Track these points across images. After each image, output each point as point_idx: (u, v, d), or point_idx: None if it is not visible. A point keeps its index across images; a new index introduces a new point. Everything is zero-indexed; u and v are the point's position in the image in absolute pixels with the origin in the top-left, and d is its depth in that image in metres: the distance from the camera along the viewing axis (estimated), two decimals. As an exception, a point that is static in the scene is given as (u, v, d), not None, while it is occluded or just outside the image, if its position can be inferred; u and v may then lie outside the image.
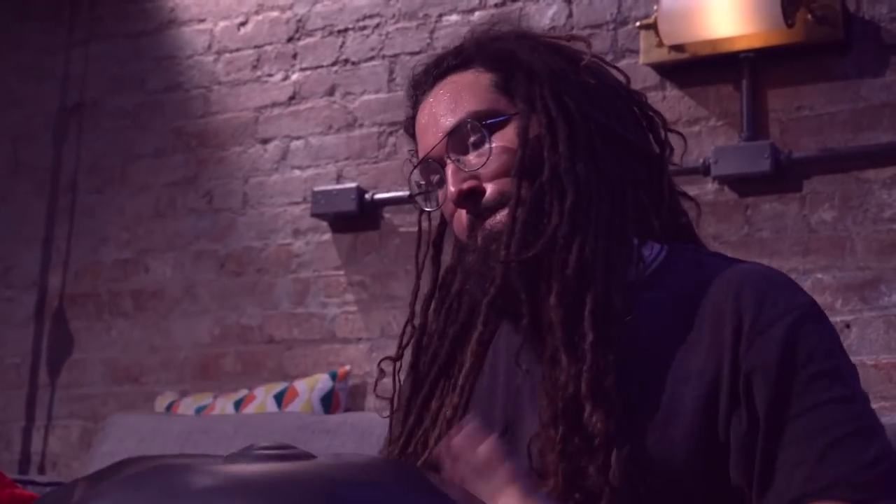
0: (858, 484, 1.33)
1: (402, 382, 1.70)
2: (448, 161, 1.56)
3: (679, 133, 1.71)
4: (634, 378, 1.43)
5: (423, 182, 1.65)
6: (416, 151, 1.68)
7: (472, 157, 1.55)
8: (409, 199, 1.71)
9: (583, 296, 1.46)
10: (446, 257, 1.72)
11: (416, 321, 1.70)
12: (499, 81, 1.58)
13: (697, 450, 1.40)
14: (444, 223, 1.72)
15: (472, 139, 1.56)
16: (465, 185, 1.54)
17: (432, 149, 1.59)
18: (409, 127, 1.70)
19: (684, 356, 1.45)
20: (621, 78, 1.67)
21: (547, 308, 1.47)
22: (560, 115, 1.54)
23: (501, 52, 1.61)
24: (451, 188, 1.54)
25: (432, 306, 1.70)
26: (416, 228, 1.74)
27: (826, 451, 1.35)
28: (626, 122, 1.62)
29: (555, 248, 1.48)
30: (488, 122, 1.55)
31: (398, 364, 1.70)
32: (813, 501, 1.33)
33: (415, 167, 1.65)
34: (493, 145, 1.54)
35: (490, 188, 1.54)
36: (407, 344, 1.70)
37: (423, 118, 1.64)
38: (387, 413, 1.74)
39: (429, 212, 1.68)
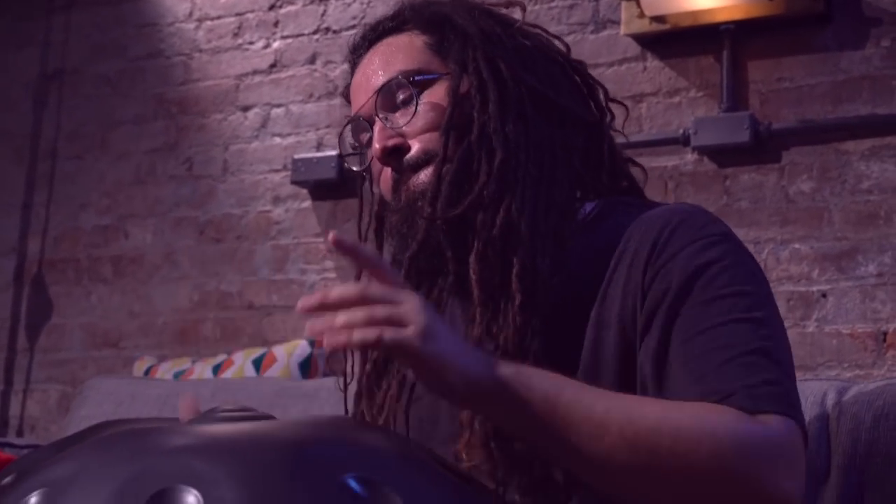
0: (751, 393, 1.32)
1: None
2: (376, 119, 1.56)
3: (622, 104, 1.72)
4: (563, 334, 1.45)
5: (355, 143, 1.65)
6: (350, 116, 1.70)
7: (399, 115, 1.55)
8: (340, 159, 1.71)
9: (509, 257, 1.46)
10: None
11: None
12: (432, 43, 1.59)
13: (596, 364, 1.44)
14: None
15: (401, 97, 1.55)
16: (391, 142, 1.54)
17: (362, 107, 1.59)
18: (347, 93, 1.69)
19: (607, 303, 1.47)
20: (561, 47, 1.68)
21: (468, 267, 1.47)
22: (491, 77, 1.55)
23: (436, 16, 1.61)
24: (377, 144, 1.54)
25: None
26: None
27: (723, 366, 1.35)
28: (560, 88, 1.63)
29: (481, 206, 1.48)
30: (417, 78, 1.55)
31: None
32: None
33: (344, 126, 1.65)
34: (422, 102, 1.54)
35: (415, 145, 1.54)
36: None
37: (356, 79, 1.63)
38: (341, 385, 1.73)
39: (358, 171, 1.66)
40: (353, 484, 0.97)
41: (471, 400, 1.27)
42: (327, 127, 3.93)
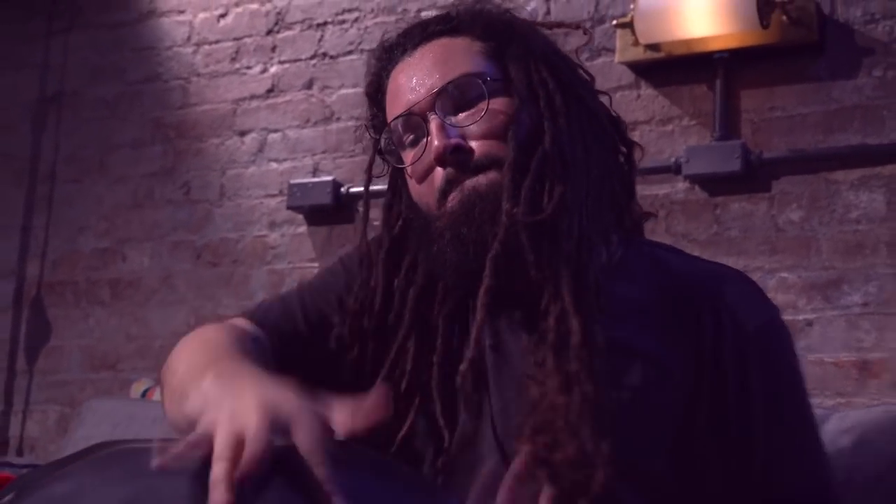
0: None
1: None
2: (433, 117, 1.50)
3: (639, 145, 1.71)
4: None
5: (396, 143, 1.58)
6: (374, 116, 1.65)
7: (462, 116, 1.50)
8: (378, 154, 1.63)
9: (587, 271, 1.45)
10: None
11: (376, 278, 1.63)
12: (492, 50, 1.55)
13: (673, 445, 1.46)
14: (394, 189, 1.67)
15: (464, 99, 1.51)
16: (454, 141, 1.48)
17: (416, 104, 1.52)
18: (373, 90, 1.64)
19: (653, 347, 1.47)
20: (587, 77, 1.66)
21: (549, 276, 1.44)
22: (557, 90, 1.51)
23: (496, 23, 1.57)
24: (437, 142, 1.48)
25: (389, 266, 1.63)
26: None
27: (812, 466, 1.49)
28: (603, 110, 1.62)
29: (563, 213, 1.44)
30: (487, 80, 1.50)
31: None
32: None
33: (393, 119, 1.57)
34: (487, 106, 1.49)
35: (478, 148, 1.49)
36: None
37: (402, 78, 1.57)
38: None
39: (401, 168, 1.59)
40: None
41: None
42: (323, 152, 3.94)
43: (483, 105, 1.49)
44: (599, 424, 1.34)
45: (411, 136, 1.54)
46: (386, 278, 1.61)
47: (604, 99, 1.67)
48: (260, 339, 1.60)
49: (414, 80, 1.54)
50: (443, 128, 1.49)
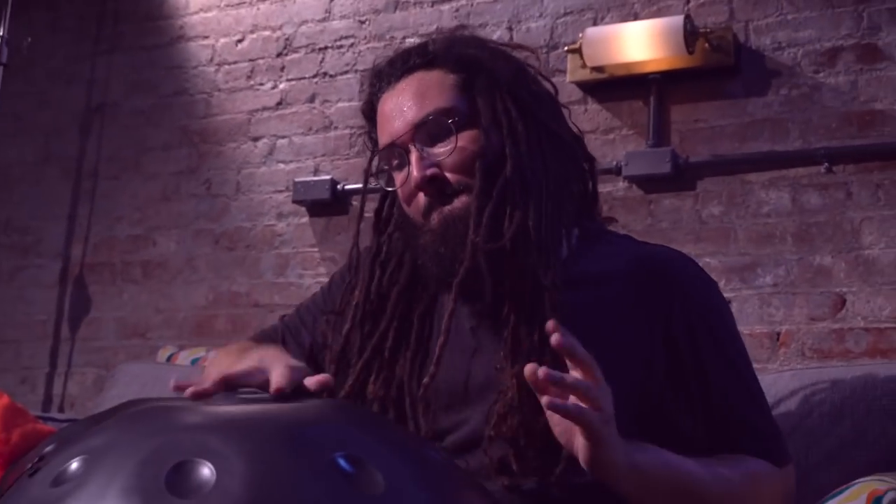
0: (777, 450, 1.48)
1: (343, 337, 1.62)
2: (413, 149, 1.52)
3: (592, 157, 1.73)
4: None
5: (384, 165, 1.60)
6: (370, 133, 1.64)
7: (436, 149, 1.51)
8: (371, 175, 1.63)
9: (541, 281, 1.45)
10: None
11: (362, 278, 1.64)
12: (462, 82, 1.54)
13: (632, 415, 1.42)
14: (385, 198, 1.67)
15: (437, 132, 1.51)
16: (430, 172, 1.49)
17: (398, 137, 1.53)
18: (368, 109, 1.64)
19: (606, 325, 1.47)
20: (551, 89, 1.67)
21: (513, 287, 1.46)
22: (518, 118, 1.51)
23: (466, 57, 1.57)
24: (416, 173, 1.50)
25: (374, 267, 1.64)
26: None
27: (755, 425, 1.48)
28: (562, 127, 1.62)
29: (521, 236, 1.45)
30: (455, 119, 1.51)
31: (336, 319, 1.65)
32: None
33: (377, 152, 1.59)
34: (458, 140, 1.49)
35: (452, 178, 1.50)
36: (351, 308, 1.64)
37: (387, 107, 1.58)
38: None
39: (389, 190, 1.61)
40: (341, 461, 0.96)
41: (618, 477, 1.27)
42: (323, 155, 3.95)
43: (453, 139, 1.49)
44: None
45: (396, 161, 1.56)
46: (370, 279, 1.62)
47: (564, 111, 1.68)
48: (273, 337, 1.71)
49: (396, 112, 1.55)
50: (420, 159, 1.50)
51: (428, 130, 1.52)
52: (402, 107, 1.55)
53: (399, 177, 1.56)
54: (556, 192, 1.52)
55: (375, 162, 1.63)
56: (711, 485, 1.36)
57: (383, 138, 1.58)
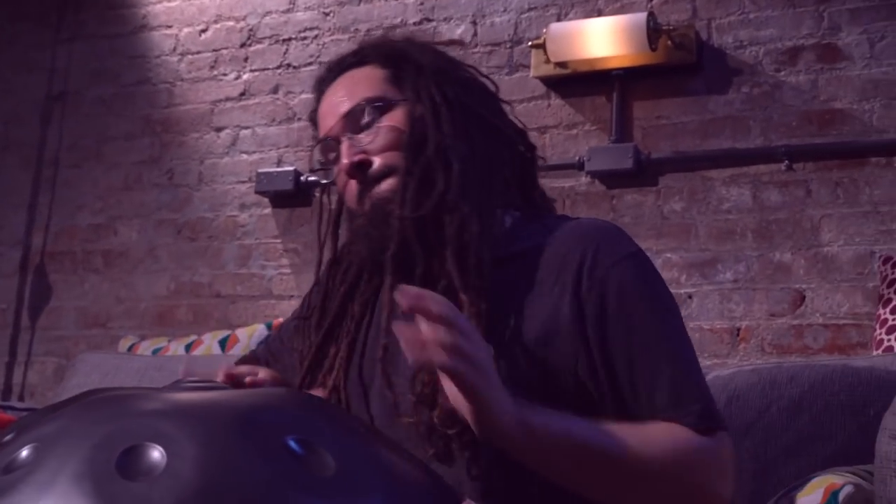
0: (700, 414, 1.37)
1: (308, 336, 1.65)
2: (343, 139, 1.55)
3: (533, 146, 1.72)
4: (498, 320, 1.44)
5: (322, 160, 1.63)
6: (316, 136, 1.65)
7: (363, 136, 1.54)
8: (312, 172, 1.70)
9: (467, 253, 1.46)
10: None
11: (321, 285, 1.67)
12: (390, 75, 1.58)
13: (542, 377, 1.41)
14: (342, 203, 1.67)
15: (364, 120, 1.54)
16: (356, 158, 1.52)
17: (330, 129, 1.57)
18: (314, 117, 1.67)
19: (530, 298, 1.46)
20: (491, 86, 1.69)
21: (442, 260, 1.46)
22: (442, 102, 1.55)
23: (393, 51, 1.62)
24: (344, 160, 1.53)
25: (333, 272, 1.67)
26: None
27: (672, 386, 1.38)
28: (494, 112, 1.64)
29: (445, 209, 1.48)
30: (378, 104, 1.54)
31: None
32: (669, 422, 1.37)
33: (315, 145, 1.63)
34: (382, 124, 1.53)
35: (377, 161, 1.53)
36: (312, 304, 1.68)
37: (324, 107, 1.62)
38: None
39: (326, 184, 1.65)
40: (292, 444, 0.97)
41: (506, 438, 1.24)
42: (286, 146, 3.94)
43: (377, 125, 1.53)
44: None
45: (333, 154, 1.59)
46: (327, 280, 1.66)
47: (506, 107, 1.68)
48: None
49: (330, 109, 1.59)
50: (349, 147, 1.53)
51: (356, 119, 1.55)
52: (334, 102, 1.59)
53: (336, 169, 1.60)
54: (483, 173, 1.55)
55: (315, 162, 1.67)
56: (618, 454, 1.30)
57: (321, 134, 1.62)
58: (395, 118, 1.55)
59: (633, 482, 1.32)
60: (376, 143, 1.54)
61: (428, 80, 1.57)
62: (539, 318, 1.44)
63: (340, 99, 1.58)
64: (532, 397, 1.29)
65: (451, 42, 1.72)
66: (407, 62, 1.60)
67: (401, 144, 1.53)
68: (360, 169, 1.53)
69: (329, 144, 1.59)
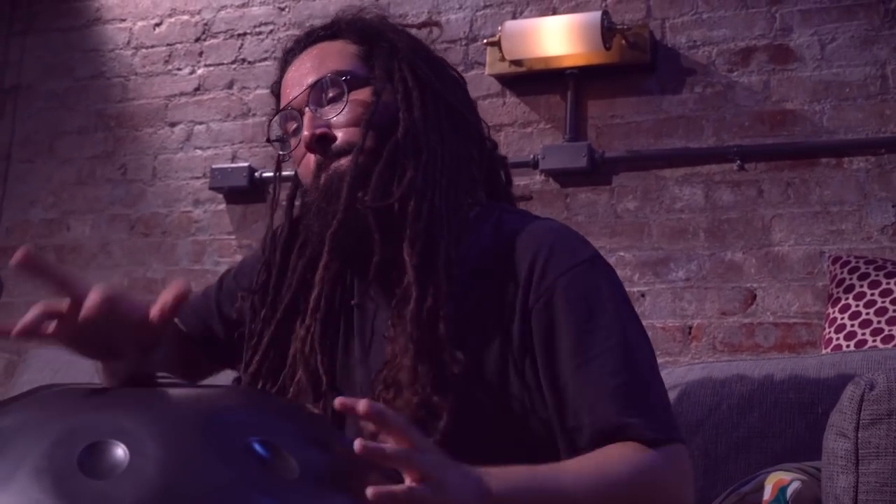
0: (650, 426, 1.32)
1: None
2: (307, 110, 1.48)
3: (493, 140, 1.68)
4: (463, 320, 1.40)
5: (282, 132, 1.56)
6: (278, 108, 1.59)
7: (328, 109, 1.48)
8: (268, 142, 1.60)
9: (436, 246, 1.41)
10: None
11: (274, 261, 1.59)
12: (363, 52, 1.52)
13: (497, 408, 1.39)
14: (297, 182, 1.62)
15: (331, 94, 1.48)
16: (318, 130, 1.46)
17: (294, 99, 1.50)
18: (276, 88, 1.61)
19: (485, 300, 1.42)
20: (461, 80, 1.63)
21: (400, 251, 1.41)
22: (416, 86, 1.49)
23: (369, 28, 1.55)
24: (305, 132, 1.46)
25: (286, 247, 1.58)
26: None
27: (618, 397, 1.33)
28: (465, 106, 1.59)
29: (411, 197, 1.42)
30: (347, 78, 1.48)
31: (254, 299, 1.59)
32: (612, 440, 1.31)
33: (276, 113, 1.56)
34: (349, 99, 1.47)
35: (340, 136, 1.47)
36: (265, 282, 1.58)
37: (289, 76, 1.55)
38: None
39: (283, 155, 1.57)
40: (256, 446, 0.95)
41: None
42: (241, 142, 3.89)
43: (344, 100, 1.47)
44: (440, 380, 1.32)
45: (294, 126, 1.53)
46: (283, 257, 1.57)
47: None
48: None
49: (295, 79, 1.53)
50: (312, 119, 1.47)
51: (322, 91, 1.49)
52: (301, 73, 1.53)
53: (294, 142, 1.53)
54: (451, 164, 1.49)
55: (272, 132, 1.59)
56: (586, 493, 1.23)
57: (282, 105, 1.55)
58: (363, 94, 1.49)
59: None
60: (341, 118, 1.47)
61: (401, 62, 1.51)
62: (493, 351, 1.41)
63: (307, 70, 1.52)
64: (490, 429, 1.27)
65: (425, 24, 1.65)
66: (381, 41, 1.54)
67: (368, 122, 1.46)
68: (321, 143, 1.47)
69: (290, 114, 1.52)
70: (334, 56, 1.52)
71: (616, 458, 1.30)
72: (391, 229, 1.42)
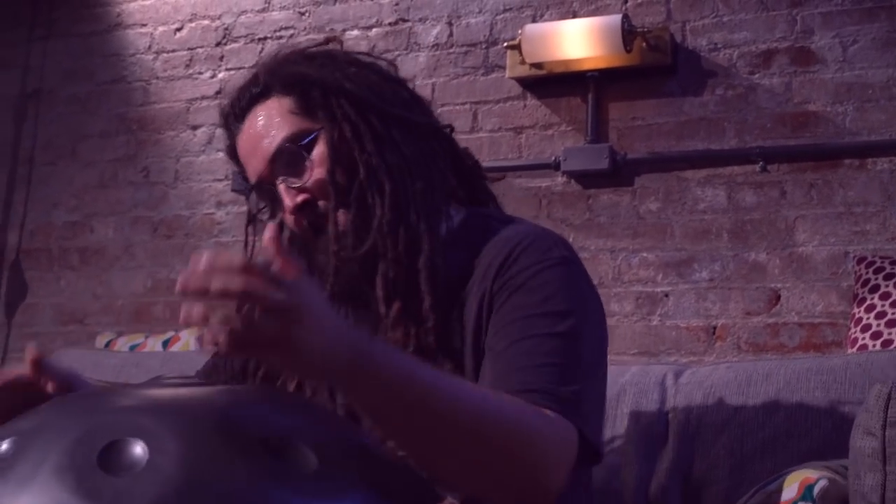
0: (557, 397, 1.29)
1: None
2: (278, 183, 1.47)
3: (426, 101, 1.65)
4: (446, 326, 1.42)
5: (263, 204, 1.55)
6: (244, 174, 1.58)
7: (298, 176, 1.46)
8: (255, 214, 1.57)
9: (415, 266, 1.41)
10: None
11: None
12: (298, 104, 1.49)
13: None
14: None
15: (292, 160, 1.46)
16: (299, 199, 1.46)
17: (260, 175, 1.49)
18: (232, 153, 1.58)
19: (466, 308, 1.43)
20: (388, 67, 1.60)
21: (378, 286, 1.42)
22: (360, 118, 1.47)
23: (293, 76, 1.51)
24: (288, 204, 1.45)
25: None
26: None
27: (537, 368, 1.32)
28: (409, 105, 1.57)
29: (383, 236, 1.42)
30: (302, 142, 1.46)
31: None
32: (520, 395, 1.28)
33: (250, 190, 1.55)
34: (312, 159, 1.46)
35: (322, 202, 1.46)
36: None
37: (243, 148, 1.53)
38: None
39: (275, 223, 1.52)
40: (274, 441, 0.96)
41: (333, 374, 1.13)
42: (262, 145, 3.87)
43: (308, 164, 1.46)
44: None
45: (273, 196, 1.51)
46: None
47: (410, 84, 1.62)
48: None
49: (250, 153, 1.51)
50: (287, 190, 1.46)
51: (284, 161, 1.47)
52: (253, 146, 1.50)
53: (281, 214, 1.52)
54: (419, 173, 1.49)
55: (252, 205, 1.58)
56: (459, 400, 1.20)
57: (251, 179, 1.54)
58: (320, 148, 1.47)
59: (468, 435, 1.19)
60: (314, 184, 1.46)
61: (336, 97, 1.49)
62: (474, 353, 1.41)
63: (257, 141, 1.49)
64: None
65: (329, 39, 1.61)
66: (310, 85, 1.50)
67: (332, 178, 1.45)
68: (306, 209, 1.47)
69: (265, 188, 1.51)
70: (276, 119, 1.49)
71: (508, 398, 1.27)
72: (375, 269, 1.44)
